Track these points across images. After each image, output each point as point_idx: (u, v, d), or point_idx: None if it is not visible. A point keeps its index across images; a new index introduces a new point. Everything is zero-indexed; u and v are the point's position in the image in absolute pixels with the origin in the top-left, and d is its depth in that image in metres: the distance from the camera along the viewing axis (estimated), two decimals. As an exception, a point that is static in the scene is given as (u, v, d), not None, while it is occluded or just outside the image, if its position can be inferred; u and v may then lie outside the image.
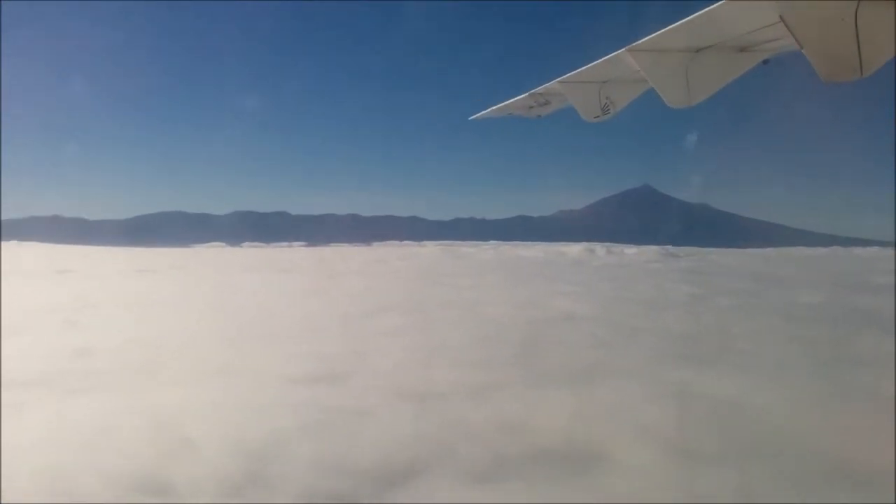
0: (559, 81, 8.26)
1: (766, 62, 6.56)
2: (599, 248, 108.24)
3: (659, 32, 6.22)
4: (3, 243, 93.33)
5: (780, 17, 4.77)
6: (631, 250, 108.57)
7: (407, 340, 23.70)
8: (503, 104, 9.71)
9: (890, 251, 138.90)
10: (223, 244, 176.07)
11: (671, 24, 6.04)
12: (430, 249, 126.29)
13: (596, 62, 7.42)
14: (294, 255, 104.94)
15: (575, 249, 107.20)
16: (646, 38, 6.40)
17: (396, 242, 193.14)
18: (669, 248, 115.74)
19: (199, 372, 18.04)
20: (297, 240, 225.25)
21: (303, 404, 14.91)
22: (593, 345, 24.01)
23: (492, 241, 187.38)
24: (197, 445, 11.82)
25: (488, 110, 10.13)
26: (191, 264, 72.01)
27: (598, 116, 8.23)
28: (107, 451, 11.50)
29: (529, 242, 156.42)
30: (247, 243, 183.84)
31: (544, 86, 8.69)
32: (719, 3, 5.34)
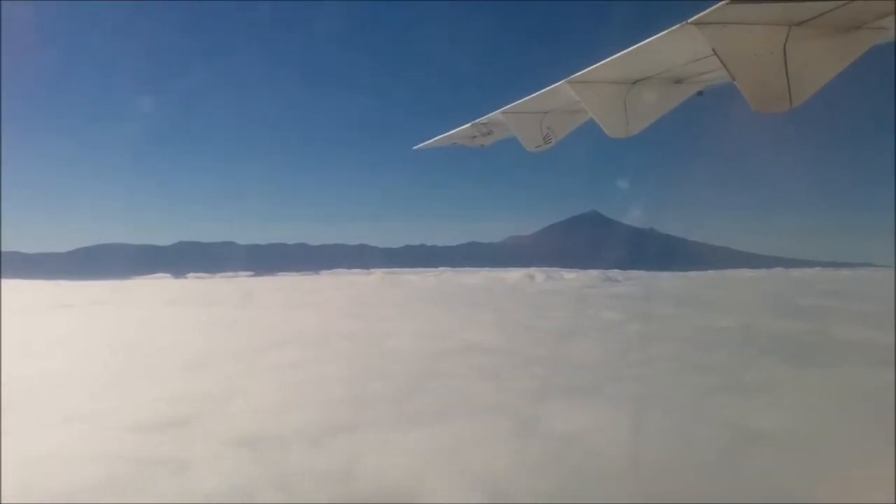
0: (502, 112, 8.43)
1: (700, 93, 6.80)
2: (539, 274, 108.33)
3: (597, 65, 6.38)
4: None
5: (713, 50, 4.95)
6: (570, 275, 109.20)
7: (285, 378, 23.11)
8: (447, 134, 9.81)
9: (829, 272, 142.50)
10: (167, 275, 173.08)
11: (609, 56, 6.20)
12: (372, 278, 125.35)
13: (537, 93, 7.57)
14: (230, 287, 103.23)
15: (515, 276, 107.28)
16: (584, 70, 6.58)
17: (344, 271, 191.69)
18: (610, 272, 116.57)
19: (42, 419, 17.26)
20: (244, 270, 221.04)
21: (126, 454, 14.32)
22: (477, 378, 23.66)
23: (441, 268, 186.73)
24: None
25: (432, 140, 10.17)
26: (118, 298, 70.22)
27: (539, 146, 8.37)
28: None
29: (477, 269, 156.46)
30: (191, 274, 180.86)
31: (487, 116, 8.82)
32: (655, 36, 5.46)
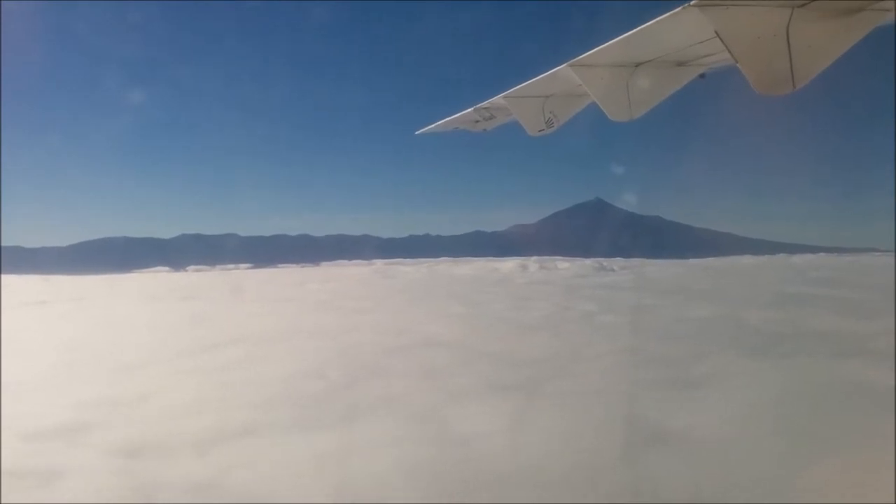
0: (504, 96, 8.51)
1: (702, 76, 6.86)
2: (533, 264, 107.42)
3: (599, 48, 6.45)
4: None
5: (716, 32, 4.97)
6: (564, 265, 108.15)
7: (216, 379, 22.52)
8: (449, 119, 9.89)
9: (832, 258, 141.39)
10: (167, 268, 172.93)
11: (611, 39, 6.26)
12: (367, 269, 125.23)
13: (539, 77, 7.68)
14: (223, 280, 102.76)
15: (509, 265, 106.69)
16: (586, 54, 6.63)
17: (346, 262, 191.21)
18: (606, 261, 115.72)
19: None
20: (245, 262, 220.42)
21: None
22: (415, 376, 23.04)
23: (442, 258, 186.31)
24: None
25: (434, 125, 10.20)
26: (102, 293, 69.81)
27: (542, 130, 8.46)
28: None
29: (478, 258, 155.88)
30: (192, 267, 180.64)
31: (489, 100, 8.92)
32: (657, 18, 5.51)
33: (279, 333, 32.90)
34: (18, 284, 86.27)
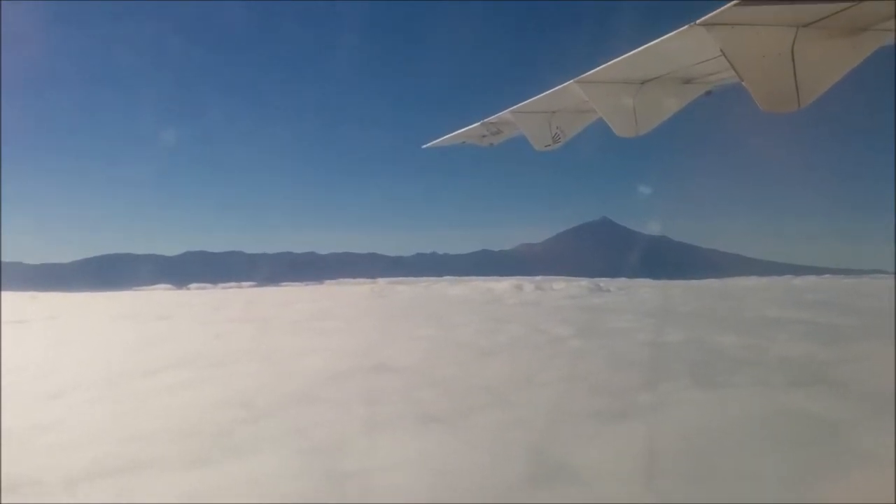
0: (511, 111, 8.67)
1: (708, 93, 6.97)
2: (528, 284, 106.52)
3: (606, 64, 6.55)
4: None
5: (721, 50, 5.03)
6: (560, 285, 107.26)
7: (131, 407, 21.97)
8: (456, 133, 9.96)
9: (835, 280, 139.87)
10: (169, 286, 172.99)
11: (618, 56, 6.35)
12: (365, 288, 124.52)
13: (546, 93, 7.80)
14: (215, 297, 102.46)
15: (503, 285, 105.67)
16: (593, 70, 6.73)
17: (350, 280, 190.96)
18: (603, 281, 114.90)
19: None
20: (249, 280, 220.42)
21: None
22: (349, 404, 22.52)
23: (446, 277, 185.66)
24: None
25: (441, 139, 10.23)
26: (80, 312, 69.40)
27: (548, 145, 8.59)
28: None
29: (481, 277, 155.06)
30: (194, 285, 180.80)
31: (496, 115, 9.07)
32: (663, 37, 5.59)
33: (228, 357, 32.31)
34: (9, 302, 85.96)
